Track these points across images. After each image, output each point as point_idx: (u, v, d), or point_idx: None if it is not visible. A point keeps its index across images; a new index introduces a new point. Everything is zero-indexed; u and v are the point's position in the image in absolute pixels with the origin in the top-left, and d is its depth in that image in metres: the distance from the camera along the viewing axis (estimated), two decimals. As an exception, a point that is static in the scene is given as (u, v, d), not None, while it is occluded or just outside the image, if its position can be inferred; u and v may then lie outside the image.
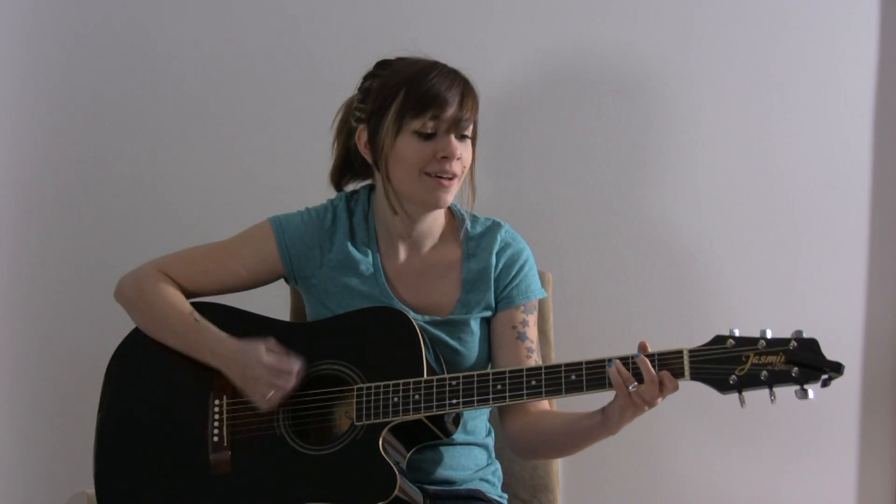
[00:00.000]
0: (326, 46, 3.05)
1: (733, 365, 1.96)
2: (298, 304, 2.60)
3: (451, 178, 2.24)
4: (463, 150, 2.24)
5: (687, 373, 1.99)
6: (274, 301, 2.56)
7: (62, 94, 3.11)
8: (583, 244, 3.05)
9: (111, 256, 3.09)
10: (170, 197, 3.11)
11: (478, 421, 2.40)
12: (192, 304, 2.35)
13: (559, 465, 2.69)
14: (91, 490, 2.30)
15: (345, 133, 2.37)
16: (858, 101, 3.00)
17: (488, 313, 2.36)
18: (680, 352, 2.00)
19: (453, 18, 3.04)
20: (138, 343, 2.35)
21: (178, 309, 2.31)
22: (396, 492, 2.10)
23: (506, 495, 2.45)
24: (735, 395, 1.97)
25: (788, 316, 2.96)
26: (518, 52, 3.03)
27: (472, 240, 2.38)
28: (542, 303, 2.47)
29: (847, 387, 3.01)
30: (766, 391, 1.95)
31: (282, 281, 2.43)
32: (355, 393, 2.18)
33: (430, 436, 2.23)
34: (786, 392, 1.98)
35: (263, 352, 2.19)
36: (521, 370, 2.11)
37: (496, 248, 2.37)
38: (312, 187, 2.47)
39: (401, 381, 2.15)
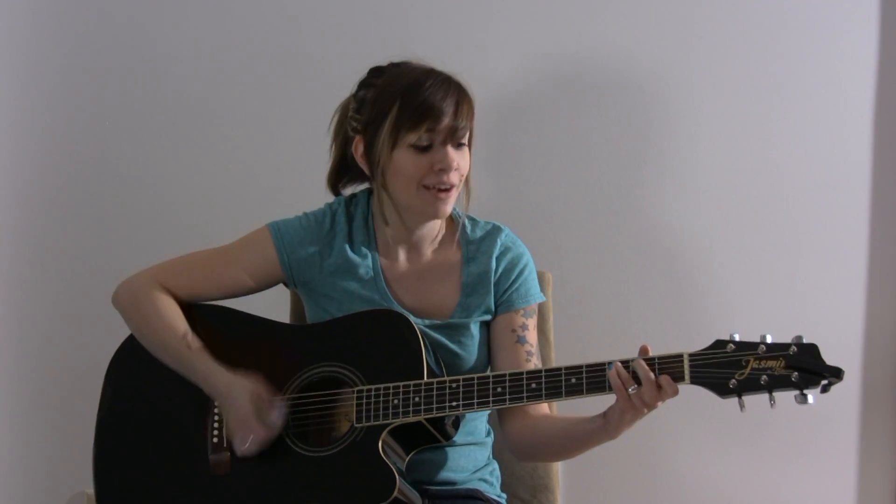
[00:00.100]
0: (326, 47, 3.05)
1: (733, 369, 1.96)
2: (298, 306, 2.60)
3: (449, 189, 2.24)
4: (460, 158, 2.23)
5: (687, 377, 1.99)
6: (274, 303, 2.56)
7: (62, 94, 3.11)
8: (583, 244, 3.05)
9: (111, 256, 3.10)
10: (169, 197, 3.11)
11: (478, 422, 2.40)
12: (194, 309, 2.36)
13: (559, 466, 2.69)
14: (91, 490, 2.30)
15: (341, 136, 2.36)
16: (858, 101, 3.00)
17: (488, 317, 2.36)
18: (680, 356, 2.00)
19: (453, 19, 3.04)
20: (138, 345, 2.35)
21: (172, 329, 2.30)
22: (395, 493, 2.09)
23: (504, 495, 2.45)
24: (735, 399, 1.97)
25: (788, 317, 2.97)
26: (518, 52, 3.03)
27: (472, 244, 2.38)
28: (542, 303, 2.47)
29: (847, 388, 3.00)
30: (766, 396, 1.95)
31: (281, 284, 2.43)
32: (355, 395, 2.18)
33: (430, 438, 2.22)
34: (786, 396, 1.98)
35: (247, 398, 2.19)
36: (521, 373, 2.11)
37: (496, 252, 2.36)
38: (311, 187, 2.48)
39: (401, 384, 2.15)
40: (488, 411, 2.42)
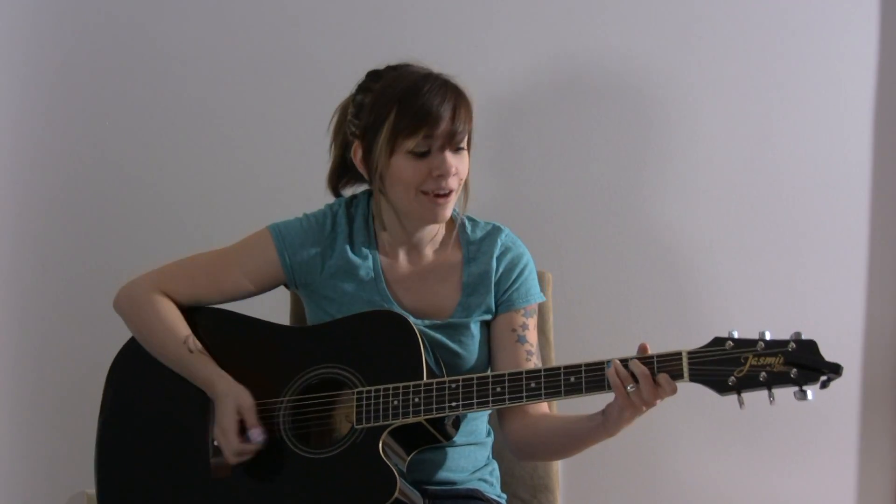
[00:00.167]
0: (326, 47, 3.05)
1: (732, 366, 1.96)
2: (298, 308, 2.60)
3: (447, 194, 2.23)
4: (459, 163, 2.23)
5: (686, 374, 1.99)
6: (274, 305, 2.56)
7: (62, 93, 3.11)
8: (583, 244, 3.05)
9: (111, 257, 3.10)
10: (169, 197, 3.12)
11: (478, 422, 2.40)
12: (194, 312, 2.36)
13: (559, 466, 2.69)
14: (91, 490, 2.31)
15: (341, 137, 2.36)
16: (858, 101, 3.00)
17: (488, 317, 2.36)
18: (679, 354, 2.00)
19: (454, 19, 3.04)
20: (140, 347, 2.35)
21: (173, 332, 2.31)
22: (396, 494, 2.09)
23: (504, 495, 2.45)
24: (734, 397, 1.97)
25: (788, 316, 2.97)
26: (518, 52, 3.03)
27: (472, 244, 2.38)
28: (542, 303, 2.47)
29: (847, 387, 3.01)
30: (765, 392, 1.95)
31: (282, 286, 2.43)
32: (355, 396, 2.18)
33: (430, 439, 2.22)
34: (785, 393, 1.97)
35: (232, 421, 2.19)
36: (521, 373, 2.11)
37: (496, 251, 2.36)
38: (312, 188, 2.48)
39: (400, 385, 2.15)
40: (489, 411, 2.42)
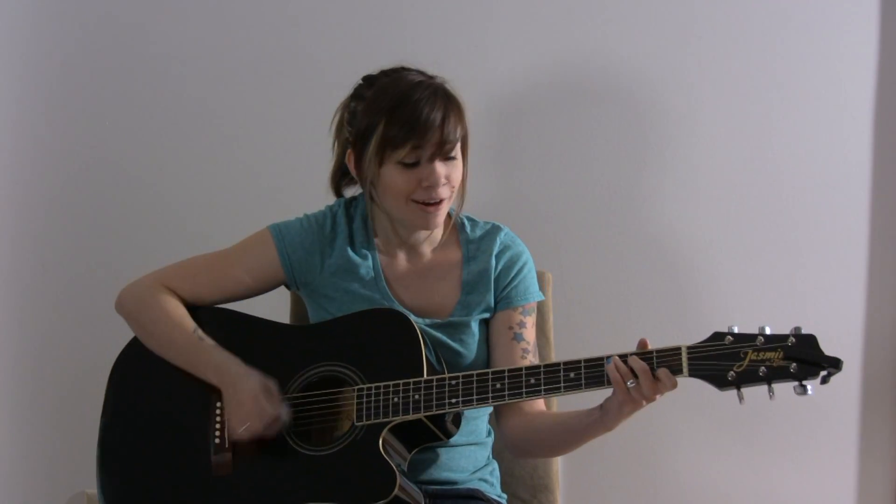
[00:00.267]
0: (327, 47, 3.05)
1: (732, 361, 1.96)
2: (299, 308, 2.60)
3: (438, 203, 2.24)
4: (450, 171, 2.23)
5: (685, 369, 1.99)
6: (275, 305, 2.56)
7: (62, 94, 3.11)
8: (583, 244, 3.05)
9: (112, 257, 3.10)
10: (169, 197, 3.12)
11: (479, 422, 2.40)
12: (196, 310, 2.36)
13: (559, 465, 2.69)
14: (91, 490, 2.31)
15: (342, 137, 2.36)
16: (858, 101, 3.00)
17: (488, 315, 2.36)
18: (678, 349, 2.00)
19: (453, 19, 3.04)
20: (141, 348, 2.36)
21: (181, 325, 2.32)
22: (396, 491, 2.09)
23: (504, 495, 2.45)
24: (734, 392, 1.97)
25: (788, 316, 2.93)
26: (518, 52, 3.03)
27: (472, 243, 2.39)
28: (541, 303, 2.47)
29: (847, 386, 3.01)
30: (765, 387, 1.95)
31: (283, 286, 2.43)
32: (355, 393, 2.18)
33: (431, 436, 2.22)
34: (786, 390, 1.97)
35: (260, 386, 2.20)
36: (521, 369, 2.11)
37: (496, 250, 2.37)
38: (312, 188, 2.48)
39: (400, 382, 2.15)
40: (489, 409, 2.42)
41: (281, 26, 3.07)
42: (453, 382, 2.13)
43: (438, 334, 2.31)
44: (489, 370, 2.14)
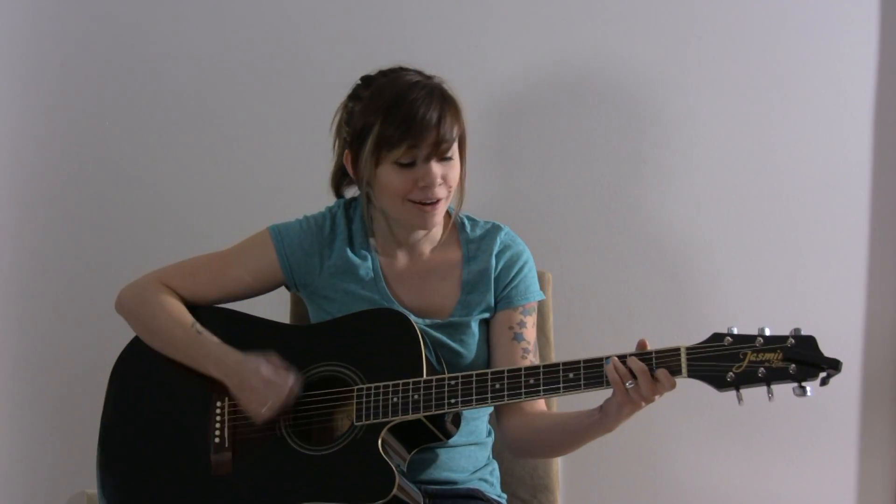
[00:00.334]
0: (327, 48, 3.05)
1: (731, 362, 1.96)
2: (298, 309, 2.61)
3: (434, 203, 2.24)
4: (446, 171, 2.23)
5: (684, 370, 1.99)
6: (275, 306, 2.56)
7: (62, 93, 3.11)
8: (583, 244, 3.05)
9: (112, 257, 3.11)
10: (169, 196, 3.12)
11: (479, 422, 2.40)
12: (196, 310, 2.37)
13: (559, 465, 2.69)
14: (91, 490, 2.31)
15: (341, 137, 2.36)
16: (858, 101, 3.00)
17: (488, 315, 2.36)
18: (677, 349, 2.00)
19: (453, 19, 3.04)
20: (143, 346, 2.36)
21: (179, 321, 2.32)
22: (395, 491, 2.10)
23: (504, 495, 2.45)
24: (733, 393, 1.97)
25: (788, 316, 2.93)
26: (518, 52, 3.03)
27: (472, 242, 2.39)
28: (541, 303, 2.47)
29: (847, 387, 3.00)
30: (764, 388, 1.95)
31: (283, 286, 2.44)
32: (355, 393, 2.18)
33: (431, 437, 2.22)
34: (785, 391, 1.97)
35: (263, 363, 2.20)
36: (520, 369, 2.11)
37: (496, 249, 2.37)
38: (313, 189, 2.48)
39: (400, 382, 2.16)
40: (489, 410, 2.42)
41: (281, 26, 3.07)
42: (452, 383, 2.13)
43: (438, 334, 2.31)
44: (488, 370, 2.14)
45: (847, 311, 3.02)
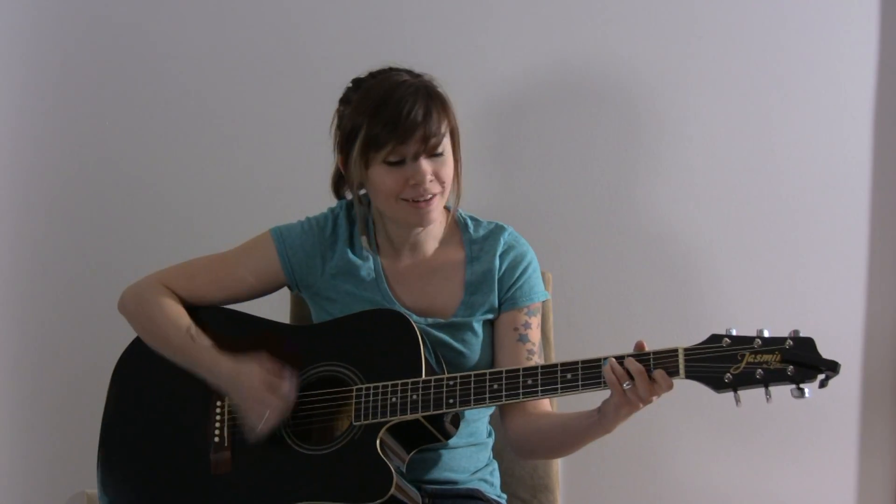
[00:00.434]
0: (328, 48, 3.05)
1: (728, 364, 1.96)
2: (299, 309, 2.61)
3: (429, 200, 2.24)
4: (437, 167, 2.23)
5: (682, 371, 1.99)
6: (276, 306, 2.56)
7: (62, 94, 3.11)
8: (583, 244, 3.05)
9: (112, 257, 3.10)
10: (170, 197, 3.12)
11: (480, 423, 2.41)
12: (196, 310, 2.37)
13: (559, 465, 2.69)
14: (91, 490, 2.31)
15: (335, 140, 2.36)
16: (858, 101, 3.00)
17: (491, 316, 2.36)
18: (675, 350, 2.00)
19: (453, 19, 3.04)
20: (144, 346, 2.37)
21: (176, 324, 2.33)
22: (393, 490, 2.10)
23: (504, 495, 2.45)
24: (731, 394, 1.97)
25: (788, 316, 2.94)
26: (518, 52, 3.02)
27: (475, 242, 2.39)
28: (542, 303, 2.47)
29: (847, 387, 3.01)
30: (762, 390, 1.95)
31: (285, 287, 2.44)
32: (354, 393, 2.18)
33: (430, 437, 2.23)
34: (784, 392, 1.97)
35: (256, 373, 2.20)
36: (518, 370, 2.11)
37: (500, 249, 2.37)
38: (314, 190, 2.47)
39: (399, 382, 2.16)
40: (489, 410, 2.42)
41: (281, 26, 3.07)
42: (451, 383, 2.14)
43: (441, 334, 2.31)
44: (486, 371, 2.14)
45: (847, 311, 3.02)
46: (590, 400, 2.12)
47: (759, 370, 1.94)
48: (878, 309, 3.01)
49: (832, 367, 1.90)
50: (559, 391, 2.07)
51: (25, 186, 3.12)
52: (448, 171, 2.25)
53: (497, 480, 2.45)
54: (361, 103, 2.23)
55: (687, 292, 3.04)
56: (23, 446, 3.16)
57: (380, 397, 2.16)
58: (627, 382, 2.01)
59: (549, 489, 2.65)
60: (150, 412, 2.34)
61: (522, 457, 2.46)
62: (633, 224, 3.03)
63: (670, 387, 2.00)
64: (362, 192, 2.38)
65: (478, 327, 2.34)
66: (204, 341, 2.30)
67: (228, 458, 2.23)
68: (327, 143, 2.37)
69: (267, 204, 3.05)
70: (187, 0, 3.08)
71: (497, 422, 2.42)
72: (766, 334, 1.97)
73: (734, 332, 1.98)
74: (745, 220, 3.02)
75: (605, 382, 2.04)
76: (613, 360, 2.03)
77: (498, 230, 2.40)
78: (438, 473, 2.34)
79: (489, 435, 2.45)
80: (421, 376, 2.16)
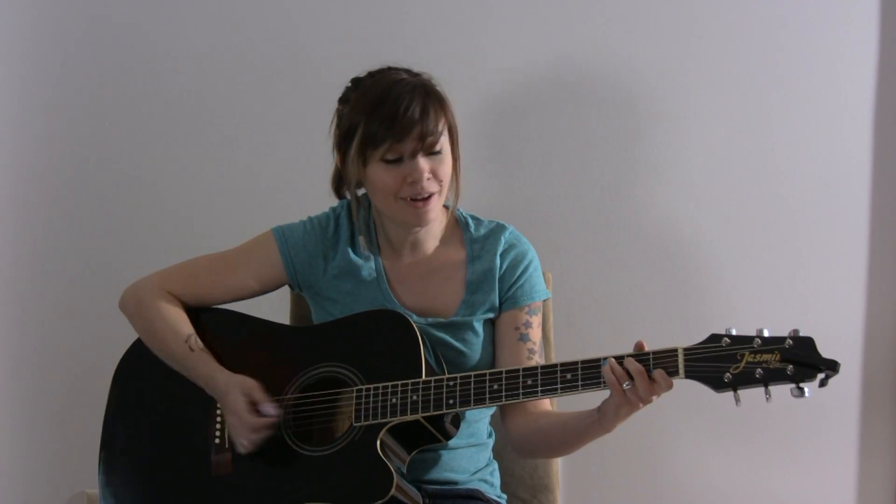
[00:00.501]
0: (328, 48, 3.05)
1: (728, 363, 1.95)
2: (299, 309, 2.61)
3: (426, 198, 2.24)
4: (435, 165, 2.23)
5: (681, 371, 1.98)
6: (276, 306, 2.56)
7: (62, 93, 3.11)
8: (583, 244, 3.05)
9: (112, 257, 3.11)
10: (170, 197, 3.12)
11: (480, 424, 2.41)
12: (196, 311, 2.38)
13: (559, 465, 2.69)
14: (91, 490, 2.31)
15: (334, 139, 2.37)
16: (858, 101, 2.99)
17: (492, 315, 2.36)
18: (675, 350, 2.00)
19: (453, 19, 3.04)
20: (145, 348, 2.37)
21: (174, 330, 2.33)
22: (393, 491, 2.10)
23: (504, 495, 2.45)
24: (730, 394, 1.97)
25: (788, 316, 2.94)
26: (518, 52, 3.03)
27: (476, 242, 2.38)
28: (543, 302, 2.46)
29: (847, 387, 3.00)
30: (762, 390, 1.95)
31: (284, 288, 2.45)
32: (354, 394, 2.18)
33: (430, 438, 2.22)
34: (784, 391, 1.97)
35: (242, 405, 2.20)
36: (518, 370, 2.11)
37: (500, 248, 2.37)
38: (315, 190, 2.47)
39: (399, 383, 2.16)
40: (488, 410, 2.42)
41: (281, 26, 3.07)
42: (451, 384, 2.13)
43: (441, 334, 2.31)
44: (486, 371, 2.14)
45: (847, 311, 3.01)
46: (591, 399, 2.12)
47: (759, 370, 1.93)
48: (878, 309, 3.01)
49: (832, 367, 1.90)
50: (559, 391, 2.07)
51: (25, 186, 3.12)
52: (446, 169, 2.25)
53: (497, 481, 2.45)
54: (359, 101, 2.23)
55: (687, 292, 3.04)
56: (23, 446, 3.16)
57: (380, 398, 2.16)
58: (627, 383, 2.01)
59: (549, 489, 2.65)
60: (151, 413, 2.34)
61: (523, 456, 2.46)
62: (633, 224, 3.03)
63: (670, 387, 2.00)
64: (361, 191, 2.39)
65: (478, 327, 2.34)
66: (202, 353, 2.30)
67: (229, 460, 2.24)
68: (327, 144, 2.37)
69: (267, 204, 3.05)
70: (187, 0, 3.08)
71: (497, 421, 2.43)
72: (766, 334, 1.96)
73: (734, 332, 1.98)
74: (745, 220, 3.02)
75: (604, 383, 2.04)
76: (613, 360, 2.03)
77: (499, 229, 2.39)
78: (439, 474, 2.34)
79: (489, 435, 2.45)
80: (421, 377, 2.16)
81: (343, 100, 2.31)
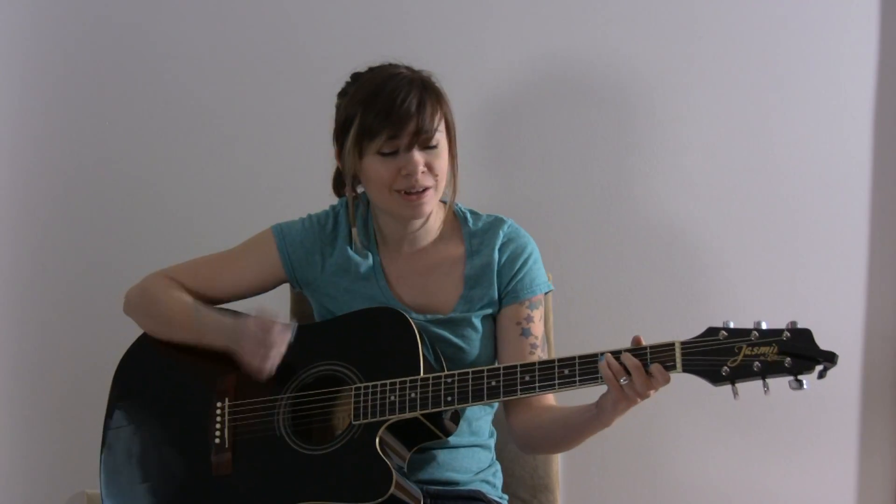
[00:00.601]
0: (328, 47, 3.06)
1: (726, 356, 1.95)
2: (299, 308, 2.60)
3: (422, 192, 2.24)
4: (431, 159, 2.23)
5: (679, 365, 1.98)
6: (275, 305, 2.55)
7: (62, 94, 3.12)
8: (583, 244, 3.05)
9: (112, 257, 3.11)
10: (170, 196, 3.12)
11: (482, 422, 2.40)
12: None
13: (559, 465, 2.68)
14: (91, 490, 2.31)
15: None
16: (858, 101, 3.00)
17: (491, 310, 2.35)
18: (672, 344, 2.00)
19: (453, 19, 3.04)
20: (145, 348, 2.38)
21: (180, 301, 2.35)
22: (392, 489, 2.10)
23: (506, 496, 2.44)
24: (728, 387, 1.96)
25: (788, 315, 2.92)
26: (517, 51, 3.03)
27: (474, 236, 2.38)
28: (545, 295, 2.45)
29: (847, 385, 3.00)
30: (759, 383, 1.94)
31: (283, 287, 2.45)
32: (353, 392, 2.18)
33: (430, 435, 2.22)
34: (784, 390, 1.97)
35: (252, 321, 2.22)
36: (515, 366, 2.11)
37: (499, 242, 2.36)
38: (315, 189, 2.48)
39: (397, 380, 2.15)
40: (488, 407, 2.42)
41: (281, 26, 3.07)
42: (449, 381, 2.13)
43: (440, 330, 2.31)
44: (484, 368, 2.13)
45: (847, 310, 3.01)
46: (593, 392, 2.11)
47: (757, 362, 1.93)
48: (878, 307, 3.01)
49: (830, 358, 1.90)
50: (556, 387, 2.06)
51: (25, 186, 3.13)
52: (442, 164, 2.25)
53: (499, 482, 2.44)
54: (356, 94, 2.24)
55: (687, 292, 3.04)
56: (23, 446, 3.16)
57: (378, 396, 2.16)
58: (624, 378, 2.01)
59: (549, 489, 2.65)
60: (151, 413, 2.34)
61: (526, 451, 2.46)
62: (633, 224, 3.03)
63: (667, 381, 2.00)
64: (360, 189, 2.39)
65: (477, 322, 2.33)
66: (208, 311, 2.32)
67: (229, 459, 2.23)
68: (327, 143, 2.37)
69: (267, 204, 3.05)
70: (187, 0, 3.09)
71: (498, 420, 2.42)
72: (764, 326, 1.97)
73: (731, 325, 1.98)
74: (746, 220, 3.02)
75: (601, 378, 2.03)
76: (610, 356, 2.02)
77: (497, 223, 2.38)
78: (441, 474, 2.33)
79: (491, 435, 2.44)
80: (419, 374, 2.16)
81: (342, 94, 2.31)
